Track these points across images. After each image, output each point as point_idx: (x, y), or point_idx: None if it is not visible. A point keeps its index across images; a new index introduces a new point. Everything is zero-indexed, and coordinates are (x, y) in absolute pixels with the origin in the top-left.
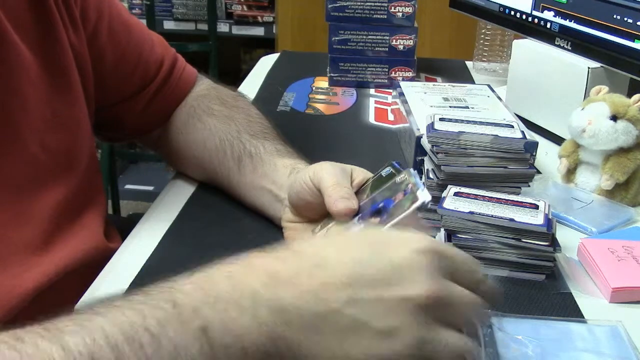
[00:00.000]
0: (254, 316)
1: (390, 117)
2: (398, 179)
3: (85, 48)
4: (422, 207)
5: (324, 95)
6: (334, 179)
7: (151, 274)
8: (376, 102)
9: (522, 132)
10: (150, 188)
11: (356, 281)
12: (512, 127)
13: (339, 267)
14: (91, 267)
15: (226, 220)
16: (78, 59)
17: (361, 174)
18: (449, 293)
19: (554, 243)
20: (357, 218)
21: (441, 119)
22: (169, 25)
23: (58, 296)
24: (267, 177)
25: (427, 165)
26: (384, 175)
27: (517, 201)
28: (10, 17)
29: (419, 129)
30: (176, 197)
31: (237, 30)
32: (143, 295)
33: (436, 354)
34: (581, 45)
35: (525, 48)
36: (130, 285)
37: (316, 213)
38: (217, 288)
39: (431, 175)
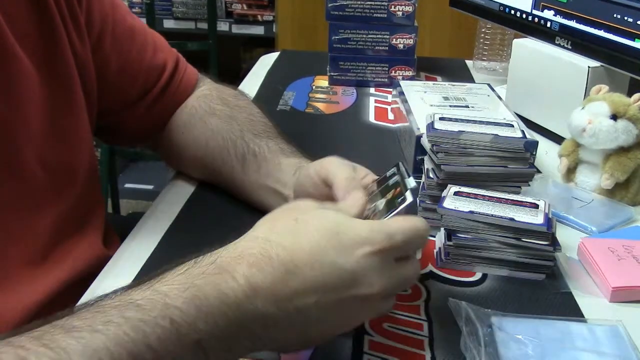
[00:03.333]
0: (239, 325)
1: (390, 116)
2: (391, 180)
3: (89, 56)
4: (410, 205)
5: (324, 94)
6: (346, 173)
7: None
8: (376, 101)
9: (522, 131)
10: (150, 187)
11: (322, 287)
12: (512, 126)
13: (308, 273)
14: (94, 276)
15: (226, 220)
16: (82, 68)
17: (365, 173)
18: (397, 280)
19: (554, 242)
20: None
21: (441, 118)
22: (168, 24)
23: (62, 309)
24: (272, 176)
25: (427, 164)
26: (390, 181)
27: (517, 200)
28: (13, 28)
29: (419, 128)
30: (176, 197)
31: (237, 29)
32: (138, 310)
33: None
34: (581, 44)
35: (525, 47)
36: None
37: None
38: (208, 303)
39: (431, 175)
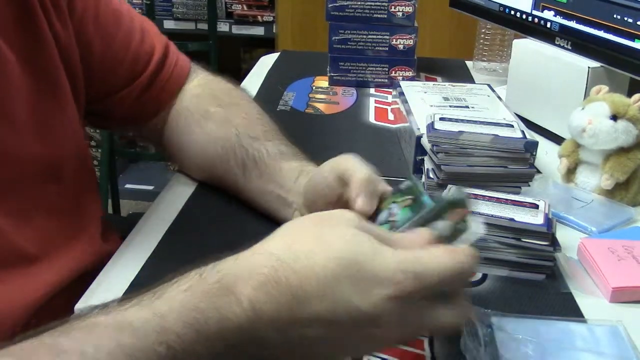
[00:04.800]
0: (236, 347)
1: (391, 116)
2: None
3: (72, 40)
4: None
5: (324, 95)
6: (366, 174)
7: (151, 274)
8: (376, 101)
9: (522, 131)
10: (150, 187)
11: (330, 323)
12: (512, 126)
13: (317, 306)
14: (94, 272)
15: (226, 220)
16: (66, 54)
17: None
18: (424, 325)
19: (554, 243)
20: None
21: (441, 119)
22: (169, 24)
23: (65, 305)
24: (274, 182)
25: (427, 164)
26: (403, 189)
27: (517, 201)
28: None
29: (419, 129)
30: (176, 197)
31: (237, 30)
32: (133, 334)
33: None
34: (581, 44)
35: (525, 48)
36: (130, 286)
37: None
38: (207, 328)
39: (431, 175)
